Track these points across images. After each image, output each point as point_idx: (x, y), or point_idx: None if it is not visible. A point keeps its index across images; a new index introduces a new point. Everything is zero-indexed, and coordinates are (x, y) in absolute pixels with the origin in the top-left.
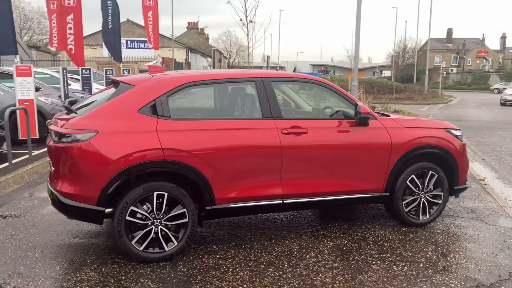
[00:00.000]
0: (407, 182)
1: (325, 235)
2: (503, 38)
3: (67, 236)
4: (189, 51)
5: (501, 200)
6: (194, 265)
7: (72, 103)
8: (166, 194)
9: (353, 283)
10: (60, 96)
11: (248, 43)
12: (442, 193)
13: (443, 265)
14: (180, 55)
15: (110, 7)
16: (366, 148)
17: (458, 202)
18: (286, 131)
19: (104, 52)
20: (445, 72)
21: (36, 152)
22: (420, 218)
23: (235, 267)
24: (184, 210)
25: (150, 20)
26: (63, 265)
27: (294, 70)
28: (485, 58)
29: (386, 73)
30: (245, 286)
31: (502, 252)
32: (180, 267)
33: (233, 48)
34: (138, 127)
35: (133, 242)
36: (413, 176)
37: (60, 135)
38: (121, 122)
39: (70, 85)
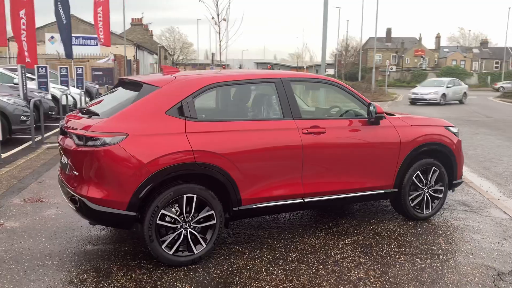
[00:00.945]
0: (413, 178)
1: (339, 232)
2: (438, 38)
3: (79, 243)
4: (137, 48)
5: (484, 193)
6: (224, 266)
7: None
8: (195, 196)
9: (387, 277)
10: (19, 95)
11: (220, 41)
12: (442, 188)
13: (461, 256)
14: (128, 52)
15: (59, 2)
16: (378, 146)
17: (448, 195)
18: (306, 131)
19: (48, 49)
20: (388, 71)
21: (4, 155)
22: (424, 212)
23: (267, 267)
24: (212, 212)
25: (100, 16)
26: (90, 273)
27: (240, 68)
28: (422, 56)
29: (329, 71)
30: (284, 285)
31: (506, 241)
32: (212, 270)
33: (177, 45)
34: (167, 129)
35: (163, 247)
36: (418, 172)
37: (87, 139)
38: (149, 124)
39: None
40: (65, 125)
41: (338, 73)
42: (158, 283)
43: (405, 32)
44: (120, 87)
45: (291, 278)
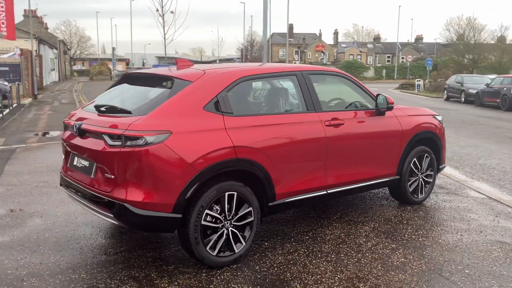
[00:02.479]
0: (411, 165)
1: (352, 220)
2: (336, 34)
3: (94, 252)
4: (39, 42)
5: (451, 176)
6: (267, 263)
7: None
8: (235, 194)
9: (427, 260)
10: None
11: (165, 34)
12: (432, 173)
13: (474, 234)
14: (29, 46)
15: None
16: (386, 136)
17: None
18: (329, 123)
19: None
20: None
21: None
22: (419, 197)
23: (309, 260)
24: (250, 208)
25: (2, 7)
26: (130, 283)
27: (143, 63)
28: (322, 52)
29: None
30: (338, 276)
31: (500, 218)
32: (256, 267)
33: (73, 39)
34: (207, 125)
35: (207, 248)
36: (414, 159)
37: (127, 138)
38: (191, 121)
39: None
40: (84, 124)
41: None
42: (211, 286)
43: (306, 28)
44: (129, 83)
45: (340, 269)
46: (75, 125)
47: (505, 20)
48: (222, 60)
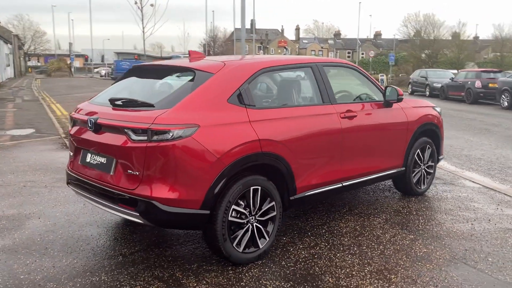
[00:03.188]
0: (415, 156)
1: (362, 213)
2: (297, 29)
3: (108, 253)
4: None
5: (442, 167)
6: (291, 258)
7: None
8: (259, 188)
9: (448, 249)
10: None
11: (144, 27)
12: (433, 164)
13: (484, 222)
14: None
15: None
16: (394, 127)
17: None
18: (344, 115)
19: None
20: None
21: None
22: (422, 188)
23: (334, 253)
24: (273, 203)
25: None
26: (156, 283)
27: (102, 59)
28: (285, 47)
29: None
30: (368, 268)
31: (502, 206)
32: (282, 263)
33: (27, 34)
34: (232, 118)
35: (234, 245)
36: (418, 150)
37: (153, 133)
38: (217, 114)
39: None
40: (100, 119)
41: None
42: (242, 283)
43: (268, 24)
44: (139, 76)
45: (366, 261)
46: (90, 120)
47: (463, 16)
48: (164, 58)
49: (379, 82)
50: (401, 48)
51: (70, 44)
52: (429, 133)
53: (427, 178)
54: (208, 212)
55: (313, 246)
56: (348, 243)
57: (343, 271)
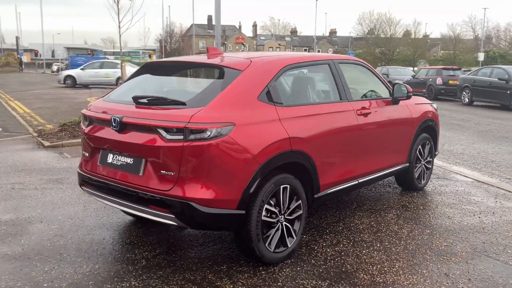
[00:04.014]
0: (417, 152)
1: (372, 208)
2: (254, 26)
3: (130, 258)
4: None
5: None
6: (319, 256)
7: None
8: (288, 186)
9: (467, 243)
10: None
11: (120, 22)
12: (431, 159)
13: (489, 215)
14: None
15: None
16: (402, 124)
17: None
18: (360, 112)
19: None
20: None
21: None
22: (422, 183)
23: (359, 250)
24: (300, 201)
25: None
26: (193, 287)
27: (53, 55)
28: (243, 44)
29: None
30: (399, 264)
31: (500, 199)
32: (312, 261)
33: None
34: (263, 116)
35: (266, 244)
36: (419, 146)
37: (190, 131)
38: (249, 112)
39: None
40: (125, 118)
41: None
42: (278, 284)
43: (225, 20)
44: (154, 73)
45: (393, 257)
46: (114, 119)
47: (418, 15)
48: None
49: None
50: (356, 45)
51: (17, 38)
52: (429, 129)
53: (426, 173)
54: (244, 212)
55: (336, 244)
56: (369, 239)
57: (374, 267)
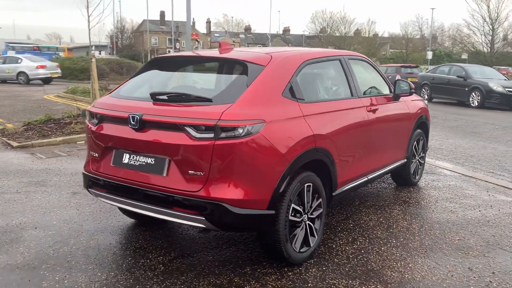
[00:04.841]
0: (413, 147)
1: (375, 205)
2: (208, 23)
3: (145, 264)
4: None
5: None
6: (341, 255)
7: None
8: (311, 185)
9: (478, 236)
10: None
11: (89, 16)
12: (424, 155)
13: (490, 208)
14: None
15: None
16: (403, 120)
17: None
18: (370, 109)
19: None
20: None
21: None
22: (416, 178)
23: (378, 247)
24: (320, 199)
25: None
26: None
27: None
28: (197, 40)
29: (104, 54)
30: (420, 259)
31: (493, 192)
32: (335, 260)
33: None
34: (289, 113)
35: (293, 245)
36: (415, 142)
37: (221, 129)
38: (276, 109)
39: None
40: (145, 115)
41: (118, 55)
42: (309, 285)
43: (178, 17)
44: (165, 68)
45: (414, 253)
46: (133, 117)
47: (372, 14)
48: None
49: None
50: (309, 44)
51: None
52: (422, 125)
53: (419, 168)
54: (273, 212)
55: (352, 241)
56: (383, 236)
57: (398, 264)
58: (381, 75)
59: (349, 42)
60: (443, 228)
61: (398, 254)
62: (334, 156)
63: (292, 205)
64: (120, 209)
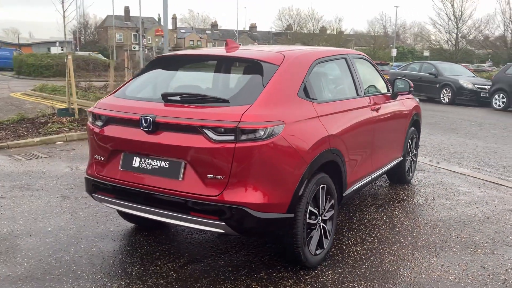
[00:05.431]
0: (408, 146)
1: (376, 204)
2: (174, 19)
3: (156, 272)
4: None
5: None
6: (353, 256)
7: None
8: (325, 186)
9: (483, 233)
10: None
11: (64, 11)
12: (416, 152)
13: (486, 205)
14: None
15: None
16: (400, 118)
17: None
18: (374, 108)
19: None
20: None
21: None
22: (410, 176)
23: (388, 247)
24: (333, 201)
25: None
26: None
27: None
28: (162, 36)
29: (66, 49)
30: (432, 258)
31: (482, 188)
32: (349, 261)
33: None
34: (305, 113)
35: (309, 248)
36: (409, 140)
37: (242, 131)
38: (293, 109)
39: None
40: (158, 117)
41: (81, 51)
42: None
43: (144, 12)
44: (169, 68)
45: (424, 252)
46: (146, 119)
47: (340, 11)
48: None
49: None
50: (276, 40)
51: None
52: (415, 123)
53: (412, 166)
54: (292, 215)
55: (361, 242)
56: (391, 235)
57: (412, 264)
58: (379, 74)
59: (317, 39)
60: (446, 225)
61: (409, 254)
62: (344, 156)
63: (309, 207)
64: (120, 213)
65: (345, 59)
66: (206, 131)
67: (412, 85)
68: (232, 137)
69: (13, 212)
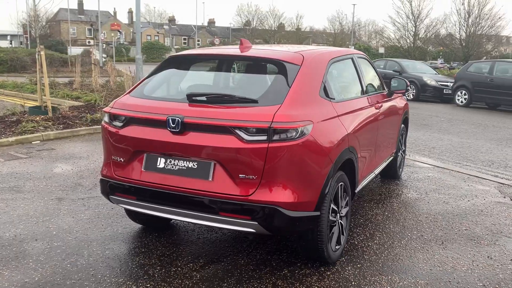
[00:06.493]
0: (398, 142)
1: (374, 199)
2: (130, 13)
3: (178, 273)
4: None
5: None
6: (368, 251)
7: None
8: (343, 184)
9: (481, 226)
10: None
11: (35, 5)
12: (405, 148)
13: (476, 198)
14: None
15: None
16: (396, 116)
17: None
18: (377, 106)
19: None
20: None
21: None
22: (400, 171)
23: (398, 241)
24: (347, 198)
25: None
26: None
27: None
28: (119, 31)
29: (14, 43)
30: (442, 251)
31: (468, 182)
32: (365, 257)
33: None
34: (327, 113)
35: (331, 245)
36: (399, 136)
37: (274, 131)
38: (317, 109)
39: None
40: (186, 118)
41: (31, 45)
42: (353, 283)
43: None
44: (183, 67)
45: (432, 245)
46: (174, 119)
47: (301, 9)
48: None
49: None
50: (235, 36)
51: None
52: (405, 120)
53: (402, 161)
54: (319, 213)
55: (370, 237)
56: (398, 230)
57: (425, 256)
58: (376, 73)
59: (278, 35)
60: (446, 219)
61: (419, 247)
62: (358, 154)
63: (332, 205)
64: (128, 214)
65: (352, 59)
66: (237, 131)
67: (408, 83)
68: (264, 137)
69: (10, 216)
